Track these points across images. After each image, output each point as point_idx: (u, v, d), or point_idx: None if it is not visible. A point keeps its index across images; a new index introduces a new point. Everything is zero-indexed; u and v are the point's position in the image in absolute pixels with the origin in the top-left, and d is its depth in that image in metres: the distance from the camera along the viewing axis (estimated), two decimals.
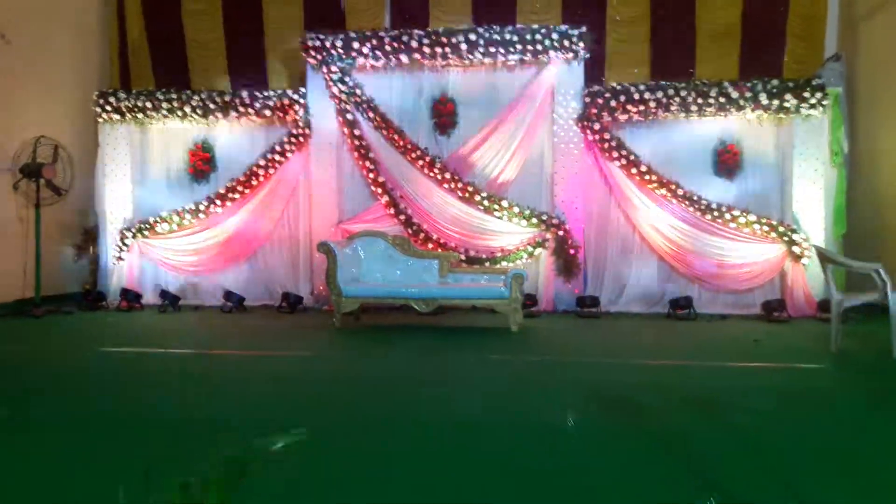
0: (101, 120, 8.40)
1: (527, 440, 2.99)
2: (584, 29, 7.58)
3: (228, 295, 7.84)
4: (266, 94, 8.15)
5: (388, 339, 6.11)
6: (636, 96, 7.51)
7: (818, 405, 3.74)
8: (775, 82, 7.39)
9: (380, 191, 7.90)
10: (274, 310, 7.82)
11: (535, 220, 7.63)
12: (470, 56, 7.65)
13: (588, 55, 7.72)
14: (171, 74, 9.11)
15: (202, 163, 8.42)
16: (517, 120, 7.73)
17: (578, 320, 7.20)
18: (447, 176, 7.68)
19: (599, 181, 7.88)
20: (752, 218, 7.35)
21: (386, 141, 7.88)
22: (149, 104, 8.22)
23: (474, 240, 7.78)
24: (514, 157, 7.79)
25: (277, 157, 8.03)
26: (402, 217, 7.82)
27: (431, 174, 7.75)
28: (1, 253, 7.51)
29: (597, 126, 7.60)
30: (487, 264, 7.62)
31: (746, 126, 7.67)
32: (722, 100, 7.39)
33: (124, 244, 8.27)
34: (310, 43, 7.87)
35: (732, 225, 7.39)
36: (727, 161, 7.66)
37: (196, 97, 8.18)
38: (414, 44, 7.64)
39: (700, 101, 7.43)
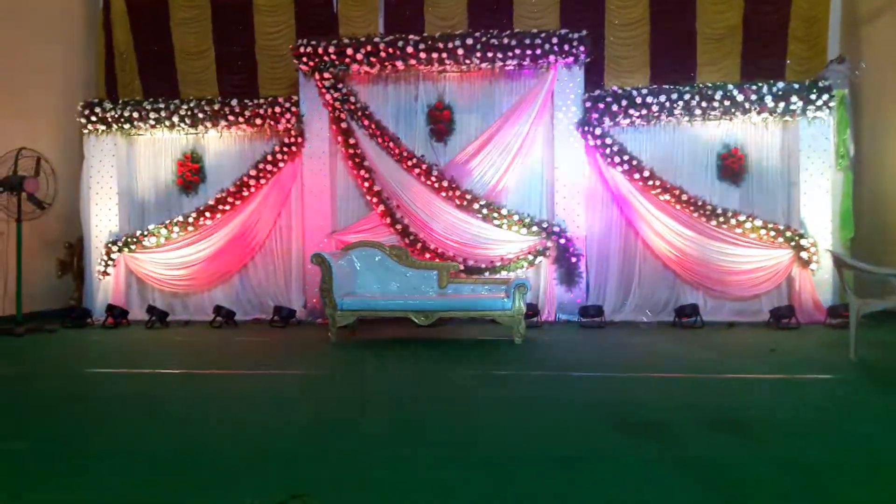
0: (86, 131, 8.16)
1: (547, 470, 2.70)
2: (584, 33, 7.41)
3: (218, 309, 7.58)
4: (257, 101, 7.92)
5: (386, 355, 5.82)
6: (638, 100, 7.35)
7: (859, 420, 3.50)
8: (781, 84, 7.24)
9: (375, 200, 7.67)
10: (266, 324, 7.55)
11: (535, 228, 7.42)
12: (467, 61, 7.46)
13: (588, 59, 7.56)
14: (159, 84, 8.94)
15: (191, 174, 8.18)
16: (516, 126, 7.53)
17: (583, 330, 6.96)
18: (444, 184, 7.47)
19: (601, 187, 7.70)
20: (759, 223, 7.16)
21: (381, 149, 7.67)
22: (136, 114, 7.99)
23: (473, 249, 7.56)
24: (513, 163, 7.59)
25: (269, 167, 7.80)
26: (399, 227, 7.59)
27: (428, 182, 7.53)
28: None
29: (598, 131, 7.42)
30: (487, 274, 7.40)
31: (751, 129, 7.50)
32: (727, 103, 7.23)
33: (110, 259, 8.00)
34: (301, 49, 7.64)
35: (738, 230, 7.21)
36: (732, 165, 7.48)
37: (185, 106, 7.96)
38: (409, 49, 7.43)
39: (704, 104, 7.27)
